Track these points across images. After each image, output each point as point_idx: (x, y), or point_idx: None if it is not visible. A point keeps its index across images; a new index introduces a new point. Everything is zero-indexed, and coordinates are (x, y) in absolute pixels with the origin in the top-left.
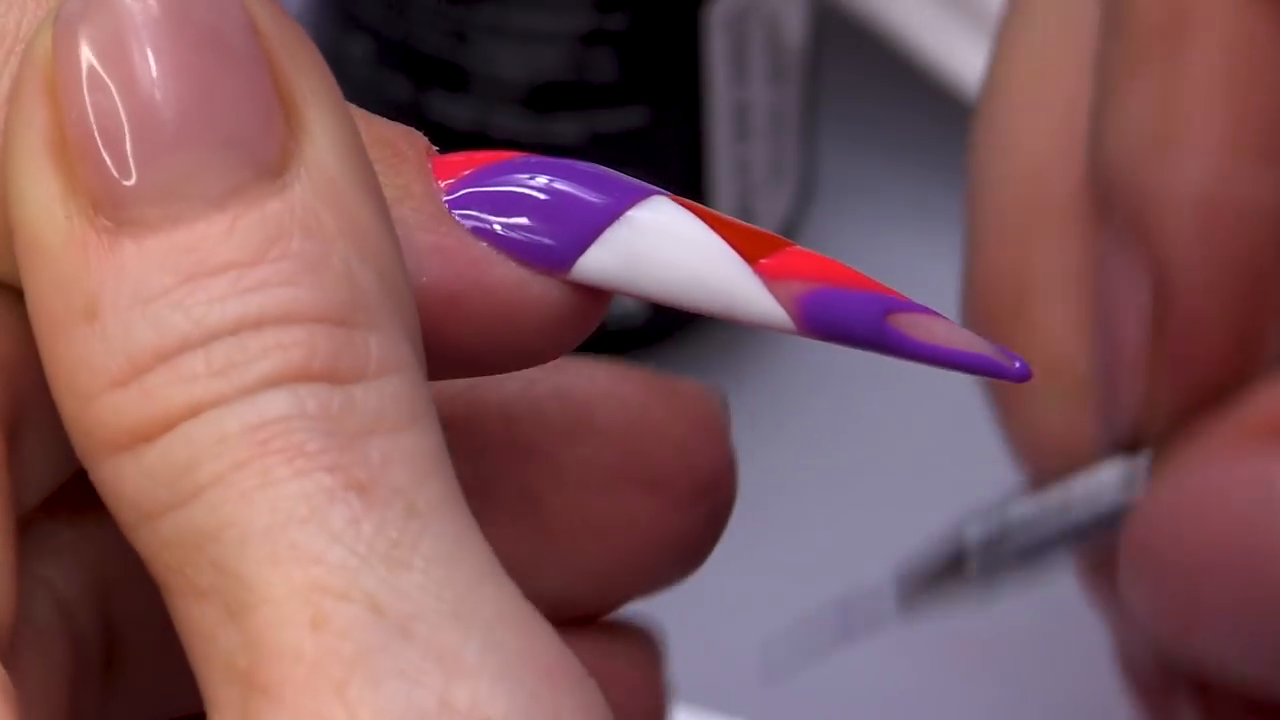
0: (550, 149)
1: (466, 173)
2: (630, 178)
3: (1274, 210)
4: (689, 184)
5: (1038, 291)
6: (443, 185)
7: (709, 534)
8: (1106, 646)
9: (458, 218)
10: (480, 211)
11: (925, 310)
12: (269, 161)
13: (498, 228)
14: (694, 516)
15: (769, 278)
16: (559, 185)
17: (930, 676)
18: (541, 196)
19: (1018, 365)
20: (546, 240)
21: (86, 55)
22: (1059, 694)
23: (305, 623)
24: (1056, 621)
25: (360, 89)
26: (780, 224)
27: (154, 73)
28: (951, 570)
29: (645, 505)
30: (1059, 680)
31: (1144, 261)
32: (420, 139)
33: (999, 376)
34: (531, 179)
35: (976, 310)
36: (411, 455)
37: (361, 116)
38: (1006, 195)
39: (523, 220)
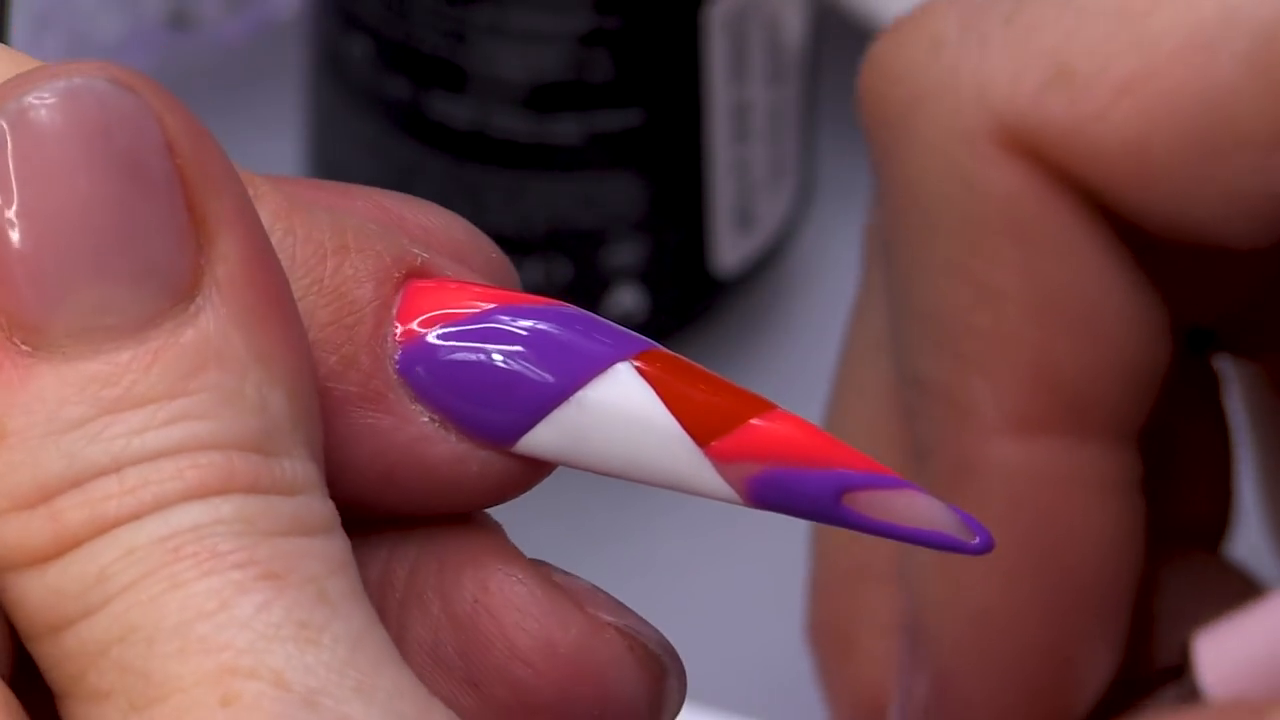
0: (550, 149)
1: (435, 325)
2: (613, 326)
3: (1045, 646)
4: (688, 184)
5: (860, 637)
6: (398, 334)
7: None
8: None
9: (435, 338)
10: (463, 341)
11: (885, 484)
12: (183, 286)
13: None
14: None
15: (720, 460)
16: (542, 327)
17: None
18: (520, 338)
19: (977, 541)
20: (543, 375)
21: (5, 179)
22: None
23: (215, 702)
24: None
25: (360, 89)
26: (780, 224)
27: (74, 201)
28: None
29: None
30: None
31: (924, 661)
32: (399, 262)
33: (959, 551)
34: (514, 321)
35: (814, 645)
36: (324, 553)
37: (351, 229)
38: (835, 547)
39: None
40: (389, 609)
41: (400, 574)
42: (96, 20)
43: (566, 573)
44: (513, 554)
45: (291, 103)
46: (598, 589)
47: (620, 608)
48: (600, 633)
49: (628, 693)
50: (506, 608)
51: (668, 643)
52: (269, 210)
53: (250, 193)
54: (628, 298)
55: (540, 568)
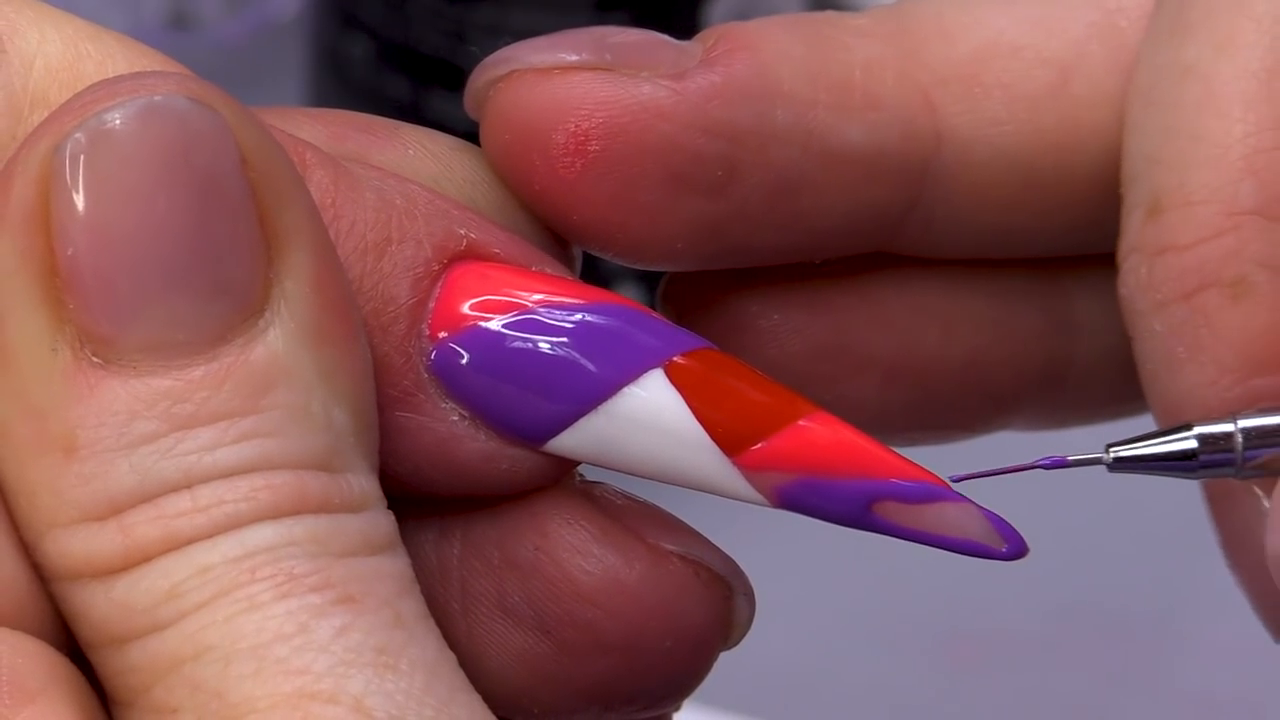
0: None
1: (481, 312)
2: (663, 321)
3: None
4: None
5: (1257, 279)
6: (432, 332)
7: (614, 686)
8: (1107, 646)
9: (482, 325)
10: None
11: (915, 495)
12: (253, 300)
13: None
14: (589, 667)
15: (749, 469)
16: (591, 319)
17: (930, 676)
18: (568, 330)
19: (1007, 548)
20: (591, 366)
21: (84, 194)
22: (1059, 694)
23: None
24: (1057, 621)
25: (360, 89)
26: None
27: (150, 219)
28: (1172, 456)
29: (531, 643)
30: (1059, 680)
31: None
32: (441, 250)
33: (990, 558)
34: (564, 314)
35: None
36: (393, 572)
37: (396, 213)
38: None
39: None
40: (449, 564)
41: (457, 528)
42: (97, 20)
43: (627, 495)
44: (569, 495)
45: (291, 103)
46: (658, 510)
47: (683, 530)
48: (664, 564)
49: (697, 619)
50: (568, 551)
51: (731, 561)
52: (315, 192)
53: (297, 163)
54: (629, 294)
55: (599, 501)
